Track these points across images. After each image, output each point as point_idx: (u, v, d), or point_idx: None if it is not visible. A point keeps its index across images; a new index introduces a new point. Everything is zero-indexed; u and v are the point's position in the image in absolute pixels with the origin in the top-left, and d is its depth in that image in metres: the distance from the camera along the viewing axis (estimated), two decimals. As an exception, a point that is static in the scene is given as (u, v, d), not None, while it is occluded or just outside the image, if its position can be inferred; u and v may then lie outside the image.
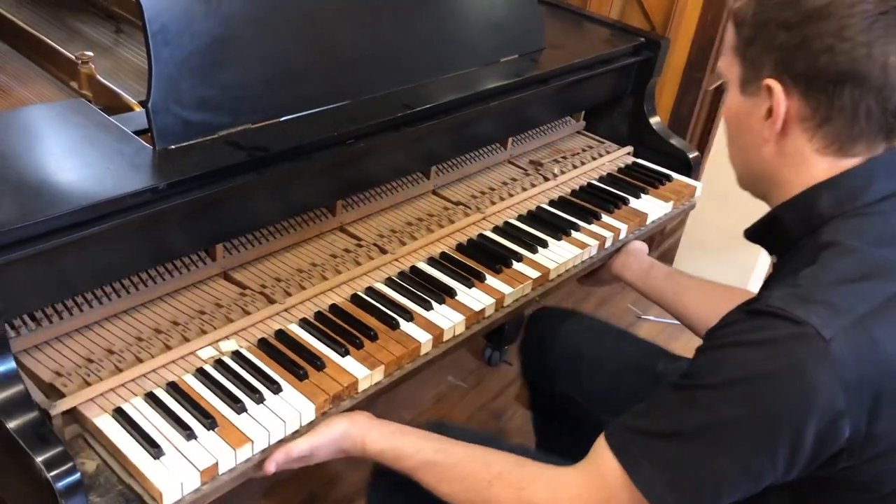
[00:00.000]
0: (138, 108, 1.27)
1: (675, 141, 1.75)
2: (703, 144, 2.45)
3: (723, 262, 2.41)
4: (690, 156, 1.73)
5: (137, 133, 1.12)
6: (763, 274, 2.49)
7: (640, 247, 1.53)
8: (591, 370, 1.40)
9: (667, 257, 2.62)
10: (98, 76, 1.34)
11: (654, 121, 1.77)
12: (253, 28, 1.17)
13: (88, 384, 1.02)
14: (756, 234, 1.01)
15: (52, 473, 0.87)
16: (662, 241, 2.63)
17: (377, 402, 1.81)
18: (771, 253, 1.02)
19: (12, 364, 0.92)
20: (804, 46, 0.84)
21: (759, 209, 1.00)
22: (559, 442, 1.52)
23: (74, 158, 1.05)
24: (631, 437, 0.89)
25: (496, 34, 1.53)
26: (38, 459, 0.87)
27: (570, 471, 0.93)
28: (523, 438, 2.05)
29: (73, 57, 1.36)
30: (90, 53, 1.36)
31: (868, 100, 0.84)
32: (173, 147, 1.09)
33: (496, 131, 1.59)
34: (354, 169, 1.30)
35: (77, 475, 0.89)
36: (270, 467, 1.00)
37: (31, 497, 0.92)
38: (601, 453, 0.90)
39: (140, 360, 1.07)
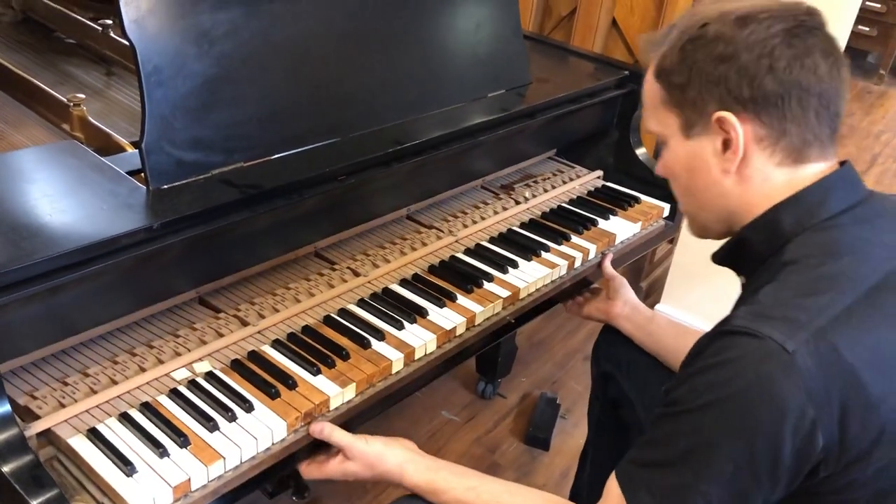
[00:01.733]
0: (130, 149, 1.28)
1: (662, 172, 1.77)
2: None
3: (712, 290, 2.42)
4: (677, 185, 1.75)
5: (130, 173, 1.13)
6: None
7: (634, 296, 1.53)
8: (659, 378, 1.39)
9: (656, 286, 2.64)
10: (90, 118, 1.36)
11: (641, 152, 1.79)
12: (244, 69, 1.19)
13: (63, 406, 1.03)
14: (723, 257, 1.05)
15: (49, 517, 0.87)
16: (651, 270, 2.64)
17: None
18: (739, 274, 1.06)
19: (7, 407, 0.92)
20: (745, 74, 0.91)
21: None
22: (612, 448, 1.56)
23: (69, 199, 1.06)
24: (633, 469, 0.92)
25: (483, 70, 1.55)
26: (34, 503, 0.87)
27: None
28: (518, 472, 2.04)
29: (65, 99, 1.37)
30: (81, 96, 1.37)
31: (813, 104, 0.92)
32: (167, 186, 1.10)
33: (484, 165, 1.61)
34: (346, 204, 1.31)
35: (73, 519, 0.89)
36: (315, 428, 1.08)
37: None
38: (611, 489, 0.94)
39: (115, 382, 1.08)
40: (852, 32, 2.35)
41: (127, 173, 1.13)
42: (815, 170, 0.95)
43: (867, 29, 5.06)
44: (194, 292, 1.24)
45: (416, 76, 1.43)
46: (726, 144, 0.94)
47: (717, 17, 0.93)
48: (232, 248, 1.16)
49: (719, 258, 1.06)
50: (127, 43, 1.55)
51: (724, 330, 0.87)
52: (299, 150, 1.25)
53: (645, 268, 2.59)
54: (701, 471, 0.85)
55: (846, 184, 0.95)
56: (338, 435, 1.09)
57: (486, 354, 2.21)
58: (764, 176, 0.95)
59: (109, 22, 1.69)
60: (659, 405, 0.94)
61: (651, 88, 1.00)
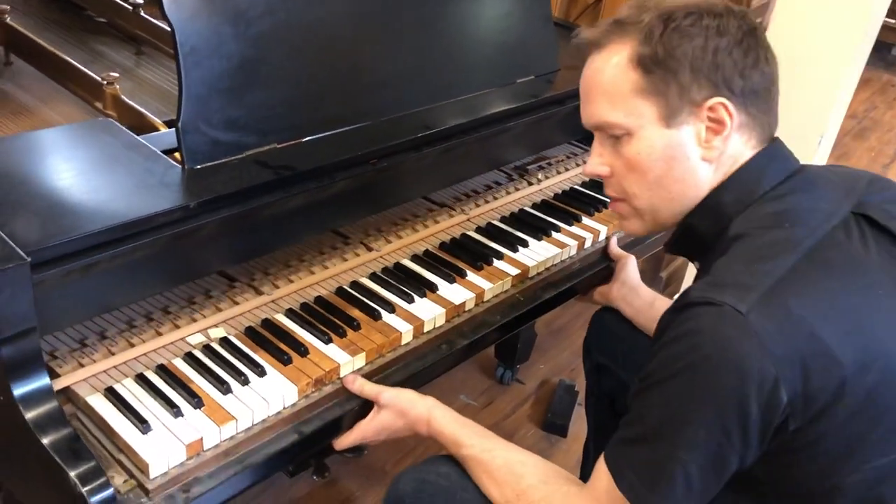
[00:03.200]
0: (164, 128, 1.29)
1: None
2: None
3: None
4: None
5: (164, 153, 1.14)
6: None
7: (636, 277, 1.52)
8: None
9: (676, 276, 2.64)
10: (123, 97, 1.37)
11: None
12: (278, 51, 1.19)
13: (82, 366, 1.07)
14: (676, 246, 1.07)
15: (87, 488, 0.89)
16: (671, 260, 2.64)
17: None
18: (693, 260, 1.09)
19: (47, 380, 0.93)
20: (737, 65, 0.95)
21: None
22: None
23: (106, 177, 1.07)
24: (617, 448, 0.96)
25: (512, 56, 1.55)
26: (72, 474, 0.89)
27: (578, 491, 1.00)
28: (536, 457, 2.05)
29: (99, 78, 1.38)
30: (115, 74, 1.38)
31: (774, 92, 0.99)
32: (202, 166, 1.11)
33: (511, 151, 1.61)
34: (375, 188, 1.32)
35: (111, 490, 0.90)
36: (348, 378, 1.13)
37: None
38: (599, 470, 0.97)
39: (132, 345, 1.11)
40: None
41: (162, 152, 1.14)
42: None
43: (892, 21, 5.00)
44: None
45: (446, 61, 1.43)
46: (710, 131, 0.97)
47: (701, 8, 0.96)
48: (264, 229, 1.17)
49: (672, 248, 1.08)
50: (157, 22, 1.58)
51: (683, 303, 0.90)
52: (331, 132, 1.25)
53: (665, 257, 2.59)
54: (676, 440, 0.88)
55: (778, 158, 1.00)
56: (369, 386, 1.13)
57: (505, 340, 2.21)
58: (735, 160, 0.99)
59: (140, 1, 1.70)
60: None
61: (618, 77, 0.98)
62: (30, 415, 0.91)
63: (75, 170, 1.07)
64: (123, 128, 1.19)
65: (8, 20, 1.59)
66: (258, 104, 1.17)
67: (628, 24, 0.98)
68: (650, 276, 2.61)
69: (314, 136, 1.23)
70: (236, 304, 1.22)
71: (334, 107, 1.26)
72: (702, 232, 1.00)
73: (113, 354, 1.09)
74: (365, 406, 1.15)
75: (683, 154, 0.98)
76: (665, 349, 0.89)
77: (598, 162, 1.04)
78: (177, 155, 1.14)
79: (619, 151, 1.01)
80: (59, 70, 1.48)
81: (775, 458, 0.90)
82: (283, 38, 1.20)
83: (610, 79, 0.99)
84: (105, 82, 1.36)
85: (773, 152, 1.00)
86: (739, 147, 0.98)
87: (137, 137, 1.16)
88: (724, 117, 0.96)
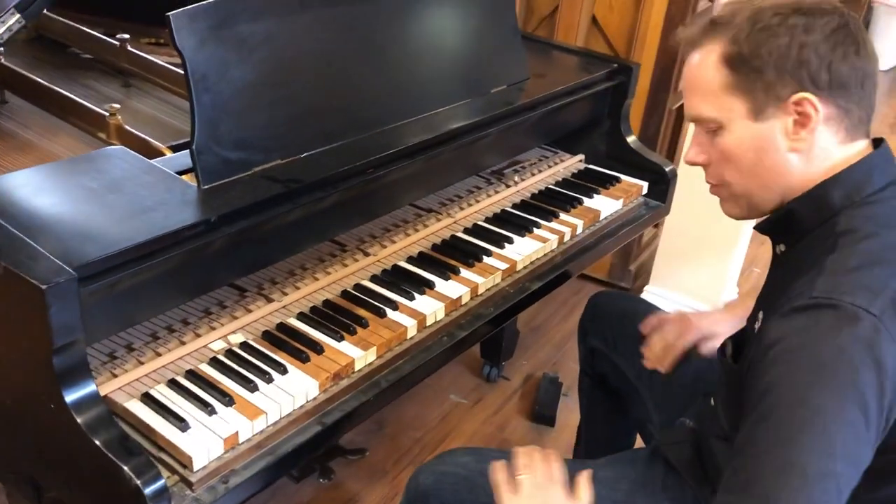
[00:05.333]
0: (168, 153, 1.37)
1: (653, 157, 1.89)
2: (671, 159, 2.61)
3: (696, 270, 2.56)
4: (667, 169, 1.87)
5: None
6: (734, 281, 2.65)
7: (705, 324, 1.45)
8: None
9: (644, 269, 2.76)
10: (126, 126, 1.45)
11: (632, 139, 1.92)
12: (278, 73, 1.29)
13: (115, 376, 1.15)
14: (768, 227, 1.13)
15: (141, 480, 0.96)
16: (639, 254, 2.77)
17: (386, 426, 1.90)
18: (779, 242, 1.13)
19: (94, 386, 1.01)
20: (824, 60, 1.00)
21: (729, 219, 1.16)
22: (602, 419, 1.68)
23: (131, 198, 1.15)
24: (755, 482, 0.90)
25: (486, 67, 1.67)
26: (126, 468, 0.97)
27: None
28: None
29: (101, 110, 1.46)
30: (117, 105, 1.46)
31: (869, 86, 1.02)
32: (216, 184, 1.20)
33: (491, 156, 1.73)
34: (371, 196, 1.42)
35: (162, 481, 0.98)
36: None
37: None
38: None
39: (159, 354, 1.20)
40: None
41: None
42: (861, 146, 1.05)
43: None
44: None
45: (429, 75, 1.54)
46: (798, 125, 1.01)
47: (790, 6, 1.02)
48: (273, 239, 1.26)
49: (764, 228, 1.14)
50: (145, 55, 1.66)
51: (807, 304, 0.93)
52: (327, 147, 1.35)
53: (633, 252, 2.72)
54: (827, 451, 0.87)
55: (886, 161, 1.05)
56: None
57: (490, 339, 2.31)
58: (826, 153, 1.03)
59: (127, 36, 1.78)
60: (748, 395, 0.96)
61: (711, 75, 1.05)
62: (81, 419, 0.98)
63: (101, 193, 1.15)
64: (136, 154, 1.27)
65: (2, 60, 1.65)
66: (262, 124, 1.26)
67: (720, 23, 1.05)
68: (619, 268, 2.73)
69: (312, 151, 1.33)
70: (249, 311, 1.31)
71: (328, 123, 1.36)
72: (801, 220, 1.05)
73: (143, 364, 1.18)
74: (379, 396, 1.25)
75: (773, 146, 1.04)
76: (794, 355, 0.91)
77: (695, 152, 1.11)
78: (185, 177, 1.23)
79: (714, 143, 1.08)
80: (59, 105, 1.55)
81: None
82: (280, 63, 1.29)
83: (703, 76, 1.06)
84: (108, 114, 1.44)
85: (881, 154, 1.05)
86: (828, 138, 1.02)
87: (151, 162, 1.25)
88: (810, 111, 1.00)
